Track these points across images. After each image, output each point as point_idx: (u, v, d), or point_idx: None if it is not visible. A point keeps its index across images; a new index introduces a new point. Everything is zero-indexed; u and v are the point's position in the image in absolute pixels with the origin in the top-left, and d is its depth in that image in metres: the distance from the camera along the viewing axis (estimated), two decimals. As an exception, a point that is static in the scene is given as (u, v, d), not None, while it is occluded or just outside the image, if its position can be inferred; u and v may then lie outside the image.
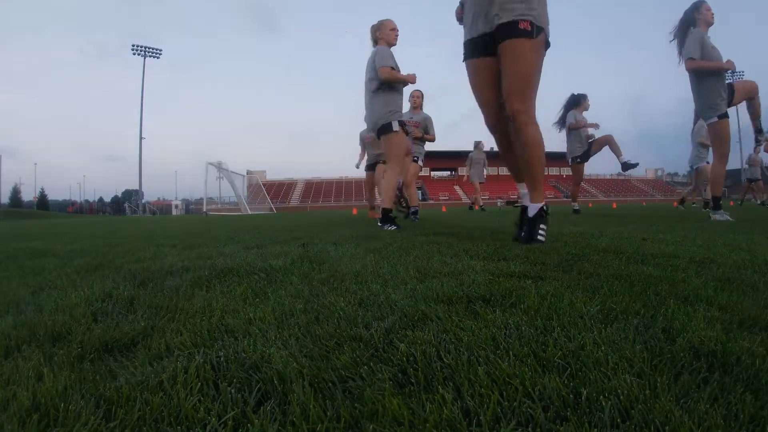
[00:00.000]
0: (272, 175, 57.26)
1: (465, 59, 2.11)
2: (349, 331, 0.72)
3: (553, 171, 58.53)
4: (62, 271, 1.53)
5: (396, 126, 3.52)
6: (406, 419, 0.45)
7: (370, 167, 6.46)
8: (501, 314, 0.78)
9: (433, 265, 1.36)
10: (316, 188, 54.85)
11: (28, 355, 0.68)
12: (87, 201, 64.89)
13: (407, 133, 3.75)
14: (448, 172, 56.09)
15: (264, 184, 41.31)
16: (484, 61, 2.02)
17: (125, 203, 51.29)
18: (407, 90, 3.92)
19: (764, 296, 0.89)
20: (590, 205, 20.83)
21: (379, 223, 3.47)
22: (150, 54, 35.83)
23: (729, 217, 3.75)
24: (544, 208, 1.96)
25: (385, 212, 3.43)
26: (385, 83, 3.47)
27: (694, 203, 9.36)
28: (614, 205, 15.80)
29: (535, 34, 1.83)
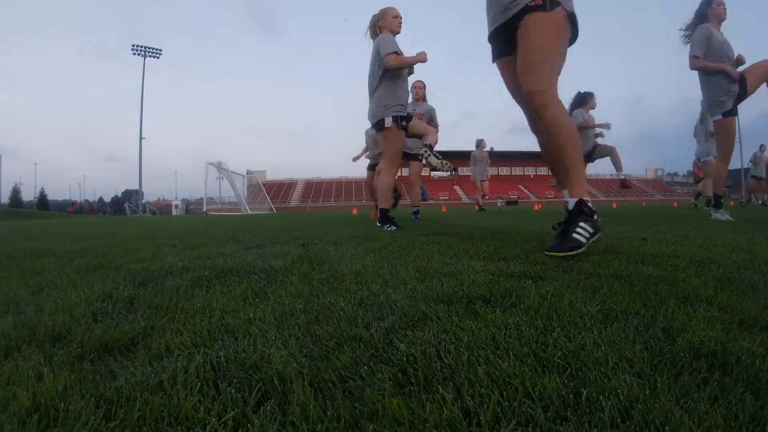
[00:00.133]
0: (272, 175, 57.35)
1: (492, 60, 1.98)
2: (349, 331, 0.72)
3: (553, 171, 58.40)
4: (62, 271, 1.53)
5: (389, 122, 3.29)
6: (406, 419, 0.45)
7: (372, 167, 6.23)
8: (501, 314, 0.78)
9: (433, 265, 1.36)
10: (316, 188, 54.88)
11: (28, 355, 0.68)
12: (87, 201, 64.92)
13: (405, 129, 3.36)
14: (449, 172, 55.87)
15: (264, 184, 41.34)
16: (508, 61, 1.87)
17: (125, 203, 51.30)
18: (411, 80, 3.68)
19: (764, 296, 0.88)
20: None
21: (378, 224, 3.46)
22: (150, 54, 35.83)
23: (729, 217, 3.75)
24: (588, 203, 1.57)
25: (383, 212, 3.40)
26: (387, 74, 3.26)
27: (694, 203, 9.30)
28: (614, 205, 15.81)
29: (549, 6, 1.63)
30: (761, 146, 10.42)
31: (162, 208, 46.13)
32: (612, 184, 55.13)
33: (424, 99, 5.31)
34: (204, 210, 27.83)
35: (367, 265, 1.40)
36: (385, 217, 3.37)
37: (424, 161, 3.31)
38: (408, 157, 5.06)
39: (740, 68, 3.68)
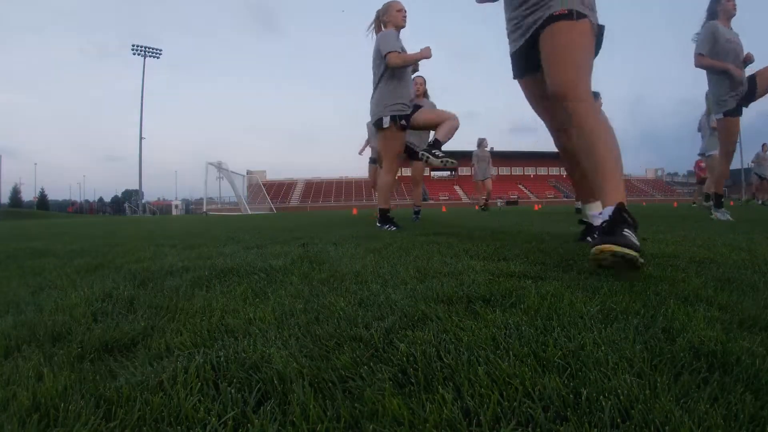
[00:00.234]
0: (272, 175, 57.33)
1: (514, 77, 1.91)
2: (349, 331, 0.72)
3: (554, 171, 58.57)
4: (62, 271, 1.53)
5: (386, 122, 3.23)
6: (406, 419, 0.45)
7: (373, 160, 6.02)
8: (501, 314, 0.78)
9: (433, 265, 1.36)
10: (316, 188, 54.89)
11: (28, 355, 0.68)
12: (87, 201, 64.96)
13: (405, 128, 3.29)
14: (448, 172, 56.13)
15: (264, 184, 41.35)
16: (537, 78, 1.75)
17: (125, 203, 51.32)
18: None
19: (764, 296, 0.88)
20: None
21: (377, 224, 3.46)
22: (150, 54, 35.84)
23: (729, 217, 3.74)
24: (626, 209, 1.23)
25: (383, 212, 3.41)
26: (387, 72, 3.18)
27: (693, 203, 9.26)
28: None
29: (576, 16, 1.55)
30: (763, 145, 10.38)
31: (162, 208, 46.15)
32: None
33: (425, 95, 5.13)
34: (204, 210, 27.85)
35: (367, 265, 1.40)
36: (385, 217, 3.37)
37: (424, 162, 3.16)
38: (412, 156, 4.84)
39: (751, 67, 3.60)
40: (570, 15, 1.54)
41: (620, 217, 1.19)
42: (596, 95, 5.95)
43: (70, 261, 1.85)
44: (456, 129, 3.18)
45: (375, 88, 3.33)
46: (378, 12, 3.35)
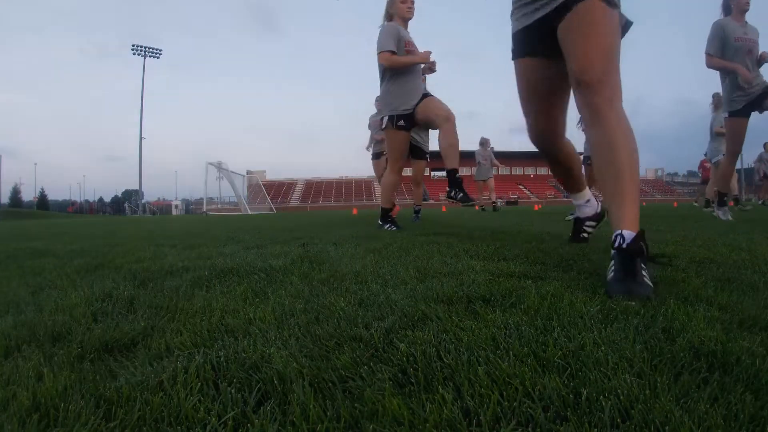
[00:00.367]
0: (272, 175, 57.34)
1: (513, 58, 1.65)
2: (349, 331, 0.72)
3: (553, 171, 58.39)
4: (62, 271, 1.54)
5: (384, 122, 3.17)
6: (406, 419, 0.45)
7: (376, 156, 5.84)
8: (501, 314, 0.78)
9: (433, 265, 1.36)
10: (316, 188, 54.88)
11: (28, 355, 0.68)
12: (87, 201, 64.97)
13: (406, 129, 3.15)
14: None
15: (264, 184, 41.36)
16: (538, 63, 1.56)
17: (125, 203, 51.34)
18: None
19: (764, 296, 0.89)
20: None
21: (379, 221, 3.46)
22: (150, 54, 35.85)
23: (730, 217, 3.74)
24: (644, 239, 1.09)
25: (384, 212, 3.42)
26: (389, 70, 3.08)
27: (695, 202, 9.15)
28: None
29: (609, 4, 1.36)
30: (765, 145, 10.33)
31: (162, 208, 46.15)
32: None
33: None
34: (204, 210, 27.85)
35: (367, 265, 1.40)
36: (386, 216, 3.38)
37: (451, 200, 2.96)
38: (415, 154, 4.62)
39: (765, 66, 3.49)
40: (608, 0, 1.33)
41: (640, 248, 1.06)
42: None
43: (70, 261, 1.85)
44: (458, 145, 3.02)
45: (381, 85, 3.25)
46: (387, 3, 3.22)
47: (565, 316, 0.76)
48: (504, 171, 56.11)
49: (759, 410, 0.45)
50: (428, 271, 1.27)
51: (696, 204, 8.95)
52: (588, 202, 1.99)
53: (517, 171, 57.75)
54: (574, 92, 1.35)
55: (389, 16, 3.20)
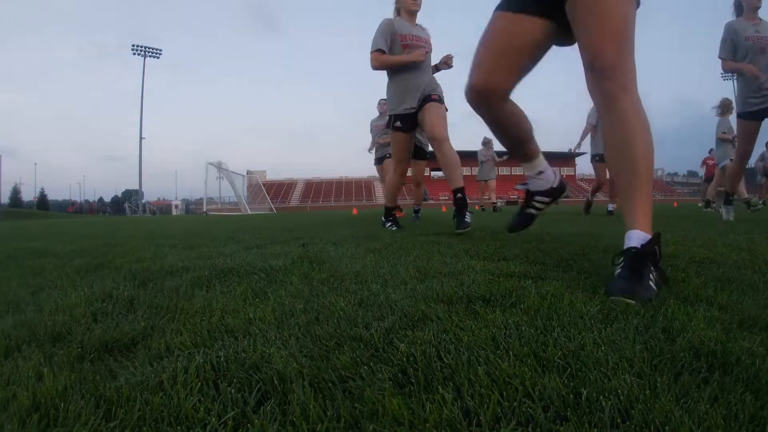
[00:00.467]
0: (272, 175, 57.36)
1: (497, 9, 1.41)
2: (349, 331, 0.72)
3: (553, 171, 58.47)
4: (62, 271, 1.54)
5: (389, 122, 3.12)
6: (406, 419, 0.45)
7: (379, 161, 5.72)
8: (501, 314, 0.78)
9: (433, 265, 1.36)
10: (316, 188, 54.88)
11: (28, 355, 0.68)
12: (87, 201, 64.99)
13: (404, 130, 3.04)
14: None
15: (264, 184, 41.36)
16: (528, 21, 1.33)
17: (125, 203, 51.35)
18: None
19: (764, 296, 0.88)
20: (590, 205, 20.77)
21: (382, 218, 3.49)
22: (150, 54, 35.86)
23: (732, 218, 3.73)
24: (660, 243, 1.04)
25: (388, 210, 3.43)
26: (387, 69, 3.02)
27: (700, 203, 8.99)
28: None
29: None
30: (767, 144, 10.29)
31: (162, 208, 46.15)
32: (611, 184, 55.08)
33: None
34: (204, 210, 27.84)
35: (367, 265, 1.40)
36: (389, 213, 3.39)
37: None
38: (415, 154, 4.38)
39: None
40: None
41: (653, 252, 1.01)
42: None
43: (70, 261, 1.85)
44: (455, 164, 2.89)
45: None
46: None
47: (565, 316, 0.76)
48: (504, 171, 56.08)
49: (759, 410, 0.45)
50: (428, 271, 1.27)
51: (700, 205, 8.85)
52: (541, 174, 1.71)
53: (517, 171, 57.64)
54: (585, 74, 1.22)
55: (397, 11, 3.10)
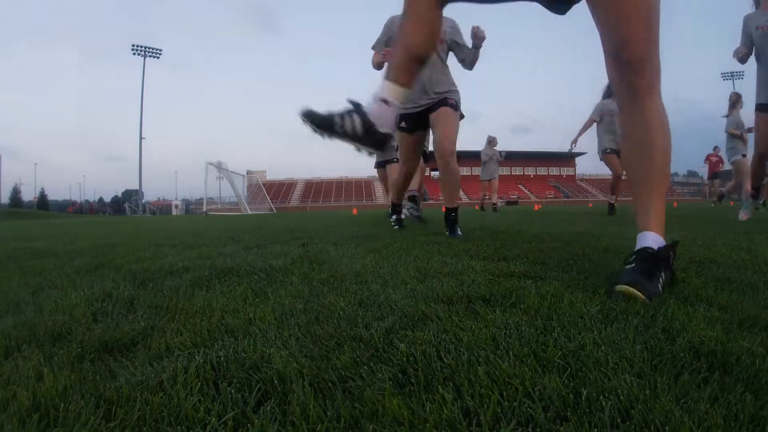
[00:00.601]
0: (272, 175, 57.35)
1: None
2: (349, 331, 0.72)
3: (554, 171, 58.59)
4: (62, 271, 1.53)
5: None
6: (406, 419, 0.45)
7: (379, 164, 5.52)
8: (501, 314, 0.78)
9: (433, 265, 1.36)
10: (316, 188, 54.87)
11: (28, 355, 0.68)
12: (87, 201, 65.03)
13: (407, 130, 2.85)
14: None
15: (264, 184, 41.36)
16: None
17: (125, 203, 51.37)
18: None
19: (764, 296, 0.88)
20: (590, 205, 20.84)
21: (389, 211, 3.57)
22: (150, 54, 35.87)
23: (743, 217, 3.66)
24: (675, 250, 1.04)
25: (394, 206, 3.46)
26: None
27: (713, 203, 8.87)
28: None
29: None
30: None
31: (162, 208, 46.15)
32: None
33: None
34: (204, 210, 27.83)
35: (367, 265, 1.40)
36: (395, 209, 3.41)
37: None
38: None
39: None
40: None
41: (668, 257, 1.00)
42: None
43: (70, 261, 1.85)
44: (455, 184, 2.82)
45: None
46: None
47: (565, 316, 0.76)
48: (504, 171, 56.06)
49: (759, 410, 0.45)
50: (428, 271, 1.27)
51: (713, 205, 8.69)
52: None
53: (517, 171, 57.77)
54: (607, 62, 1.12)
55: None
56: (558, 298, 0.87)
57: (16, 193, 52.65)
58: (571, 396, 0.48)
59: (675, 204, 9.83)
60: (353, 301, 0.93)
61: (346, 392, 0.52)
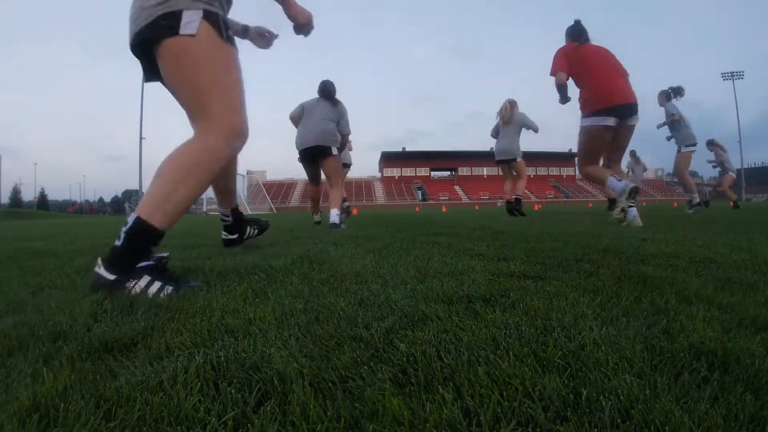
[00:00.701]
0: (272, 175, 57.26)
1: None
2: (349, 331, 0.72)
3: (554, 171, 58.57)
4: (62, 271, 1.53)
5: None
6: (406, 419, 0.45)
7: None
8: (501, 314, 0.78)
9: (433, 265, 1.36)
10: (316, 188, 54.75)
11: (28, 356, 0.68)
12: (87, 201, 65.04)
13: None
14: (448, 172, 56.13)
15: (264, 184, 41.35)
16: None
17: (125, 203, 51.32)
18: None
19: (764, 296, 0.89)
20: (590, 205, 20.84)
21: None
22: (150, 54, 35.76)
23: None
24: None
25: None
26: None
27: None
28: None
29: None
30: None
31: (162, 208, 45.97)
32: (612, 184, 55.02)
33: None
34: (204, 210, 27.82)
35: (367, 265, 1.40)
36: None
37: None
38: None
39: None
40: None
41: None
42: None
43: (70, 261, 1.84)
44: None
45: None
46: None
47: (565, 316, 0.76)
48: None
49: (759, 410, 0.45)
50: (428, 271, 1.27)
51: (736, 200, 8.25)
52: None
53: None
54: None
55: None
56: (558, 298, 0.87)
57: (16, 193, 52.69)
58: (571, 396, 0.48)
59: (675, 204, 9.83)
60: (353, 301, 0.93)
61: (346, 392, 0.52)
